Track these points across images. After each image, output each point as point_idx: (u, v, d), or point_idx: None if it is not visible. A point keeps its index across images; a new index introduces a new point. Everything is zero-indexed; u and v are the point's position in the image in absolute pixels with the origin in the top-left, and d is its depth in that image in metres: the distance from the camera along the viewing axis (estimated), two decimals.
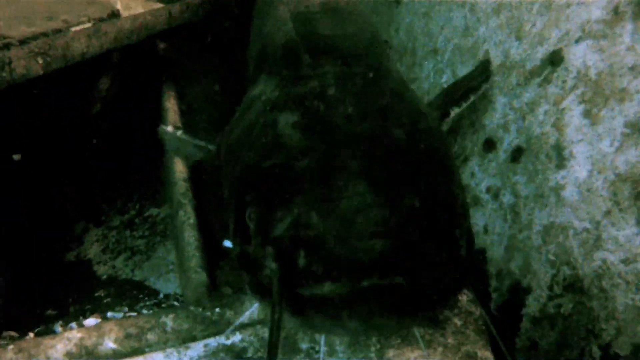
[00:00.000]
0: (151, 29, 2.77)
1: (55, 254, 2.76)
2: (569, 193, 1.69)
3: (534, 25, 1.92)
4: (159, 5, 3.11)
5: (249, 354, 1.55)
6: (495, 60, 2.07)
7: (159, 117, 3.04)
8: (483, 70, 2.12)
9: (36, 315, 2.21)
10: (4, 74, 1.98)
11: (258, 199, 1.38)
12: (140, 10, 3.06)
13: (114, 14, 2.94)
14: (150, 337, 1.60)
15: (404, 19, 2.74)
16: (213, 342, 1.58)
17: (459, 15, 2.31)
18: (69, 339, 1.56)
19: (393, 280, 1.15)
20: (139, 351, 1.57)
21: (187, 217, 2.20)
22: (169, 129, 2.27)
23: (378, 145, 1.37)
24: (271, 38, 1.97)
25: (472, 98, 2.05)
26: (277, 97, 1.63)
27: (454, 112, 2.02)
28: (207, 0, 3.19)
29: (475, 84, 2.09)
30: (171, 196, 2.56)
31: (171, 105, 3.03)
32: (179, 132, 2.24)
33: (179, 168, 2.54)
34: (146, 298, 2.35)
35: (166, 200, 2.99)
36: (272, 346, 1.19)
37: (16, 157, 2.76)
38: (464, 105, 2.03)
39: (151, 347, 1.58)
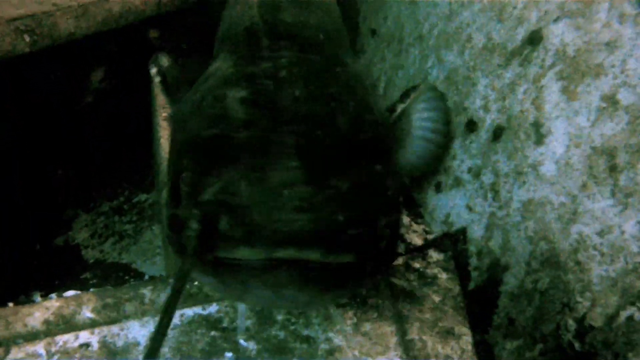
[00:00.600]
0: (140, 14, 2.78)
1: (44, 238, 2.78)
2: (547, 169, 1.70)
3: (515, 7, 1.94)
4: None
5: (224, 324, 1.56)
6: (478, 43, 2.08)
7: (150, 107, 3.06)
8: None
9: (18, 290, 2.22)
10: None
11: (193, 164, 1.42)
12: None
13: None
14: (128, 307, 1.61)
15: (391, 8, 2.76)
16: (190, 311, 1.59)
17: (444, 1, 2.33)
18: (47, 308, 1.57)
19: (307, 254, 1.19)
20: (117, 321, 1.58)
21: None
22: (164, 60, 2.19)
23: (319, 128, 1.43)
24: (235, 21, 2.03)
25: (412, 95, 2.11)
26: (231, 73, 1.70)
27: (400, 107, 2.07)
28: None
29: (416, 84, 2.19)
30: (157, 176, 2.58)
31: (159, 91, 3.04)
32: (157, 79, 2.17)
33: (166, 149, 2.55)
34: (132, 280, 2.36)
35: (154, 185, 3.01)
36: (172, 295, 1.23)
37: None
38: (407, 101, 2.09)
39: (128, 318, 1.59)
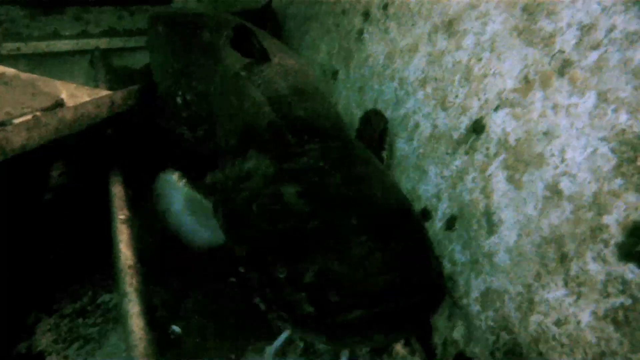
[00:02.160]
0: (94, 118, 2.78)
1: (5, 347, 2.66)
2: (501, 258, 1.71)
3: (456, 96, 1.99)
4: (103, 93, 3.14)
5: None
6: (425, 131, 2.12)
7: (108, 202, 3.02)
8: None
9: None
10: None
11: (283, 257, 1.72)
12: (85, 98, 3.08)
13: (59, 104, 2.95)
14: None
15: (341, 93, 2.81)
16: None
17: (389, 89, 2.38)
18: None
19: (400, 303, 1.51)
20: None
21: (131, 305, 2.15)
22: (174, 176, 2.51)
23: (365, 205, 1.75)
24: (253, 118, 2.27)
25: (387, 138, 2.39)
26: (276, 172, 1.97)
27: (385, 154, 2.36)
28: (150, 86, 3.22)
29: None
30: (117, 283, 2.52)
31: (118, 191, 3.02)
32: (182, 182, 2.50)
33: (126, 254, 2.50)
34: None
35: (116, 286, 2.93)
36: None
37: None
38: (387, 146, 2.37)
39: None
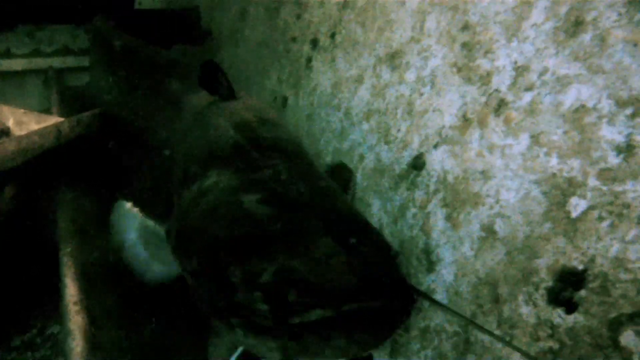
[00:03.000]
0: (39, 149, 2.71)
1: None
2: (440, 297, 1.71)
3: (399, 130, 1.99)
4: (49, 121, 3.07)
5: None
6: (369, 164, 2.12)
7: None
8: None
9: None
10: None
11: (238, 259, 1.63)
12: (33, 125, 3.01)
13: (4, 132, 2.88)
14: None
15: (290, 121, 2.80)
16: None
17: (335, 119, 2.38)
18: None
19: (367, 303, 1.43)
20: None
21: (75, 343, 2.11)
22: (127, 205, 2.51)
23: (326, 211, 1.73)
24: (216, 143, 2.25)
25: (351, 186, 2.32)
26: (238, 183, 1.93)
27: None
28: (99, 114, 3.17)
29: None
30: (62, 320, 2.46)
31: (64, 218, 2.95)
32: (135, 210, 2.50)
33: (71, 290, 2.45)
34: None
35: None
36: None
37: None
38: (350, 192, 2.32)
39: None
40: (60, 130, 2.84)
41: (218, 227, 1.77)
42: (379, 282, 1.49)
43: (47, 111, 4.15)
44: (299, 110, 2.72)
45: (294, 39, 2.87)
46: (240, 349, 2.23)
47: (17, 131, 2.99)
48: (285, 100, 2.87)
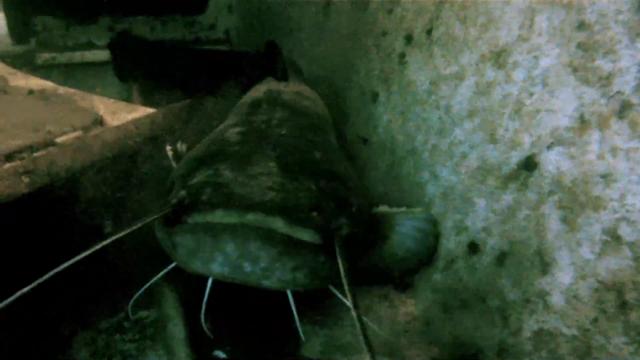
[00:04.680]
0: (136, 138, 2.79)
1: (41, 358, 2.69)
2: (556, 299, 1.70)
3: (506, 129, 1.98)
4: (139, 111, 3.15)
5: None
6: (473, 162, 2.12)
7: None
8: None
9: None
10: None
11: (189, 166, 1.80)
12: (124, 115, 3.09)
13: (98, 121, 2.97)
14: None
15: (381, 117, 2.81)
16: None
17: (434, 116, 2.38)
18: None
19: (272, 222, 1.46)
20: None
21: (176, 330, 2.18)
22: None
23: (297, 152, 1.85)
24: (248, 101, 2.60)
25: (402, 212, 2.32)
26: (234, 121, 2.20)
27: (384, 209, 2.32)
28: (188, 104, 3.24)
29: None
30: (159, 306, 2.54)
31: None
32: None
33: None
34: None
35: (154, 304, 2.95)
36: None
37: None
38: (396, 210, 2.32)
39: None
40: (154, 120, 2.92)
41: (198, 149, 1.98)
42: (299, 207, 1.53)
43: (127, 101, 4.26)
44: (391, 106, 2.73)
45: (384, 34, 2.88)
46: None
47: (110, 120, 3.07)
48: (375, 95, 2.89)
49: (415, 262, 2.30)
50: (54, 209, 2.36)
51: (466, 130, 2.17)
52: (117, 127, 2.71)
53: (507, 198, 1.93)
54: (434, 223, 2.26)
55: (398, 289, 2.39)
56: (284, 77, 3.19)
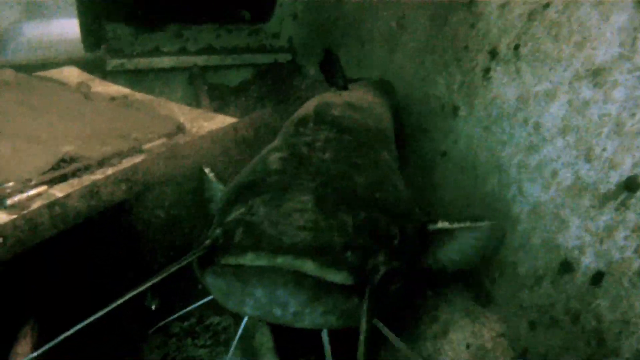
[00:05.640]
0: (220, 146, 2.86)
1: None
2: None
3: (604, 149, 1.97)
4: (216, 119, 3.21)
5: None
6: (565, 180, 2.11)
7: None
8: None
9: None
10: (92, 202, 2.07)
11: (227, 200, 1.76)
12: (202, 123, 3.17)
13: (180, 129, 3.05)
14: None
15: (462, 131, 2.82)
16: None
17: (522, 132, 2.38)
18: None
19: (303, 265, 1.38)
20: None
21: (264, 339, 2.23)
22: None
23: (337, 180, 1.76)
24: (295, 116, 2.54)
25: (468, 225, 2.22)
26: (277, 144, 2.14)
27: (444, 224, 2.18)
28: (263, 114, 3.30)
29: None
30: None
31: None
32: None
33: None
34: None
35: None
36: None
37: None
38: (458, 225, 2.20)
39: None
40: (236, 128, 2.99)
41: (241, 176, 1.94)
42: (332, 249, 1.45)
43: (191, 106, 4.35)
44: (474, 121, 2.73)
45: (465, 48, 2.89)
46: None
47: (190, 128, 3.14)
48: (455, 109, 2.90)
49: (474, 263, 2.33)
50: (149, 214, 2.44)
51: (558, 147, 2.17)
52: (204, 136, 2.78)
53: (605, 218, 1.92)
54: (498, 230, 2.30)
55: (478, 302, 2.39)
56: (344, 87, 3.16)
